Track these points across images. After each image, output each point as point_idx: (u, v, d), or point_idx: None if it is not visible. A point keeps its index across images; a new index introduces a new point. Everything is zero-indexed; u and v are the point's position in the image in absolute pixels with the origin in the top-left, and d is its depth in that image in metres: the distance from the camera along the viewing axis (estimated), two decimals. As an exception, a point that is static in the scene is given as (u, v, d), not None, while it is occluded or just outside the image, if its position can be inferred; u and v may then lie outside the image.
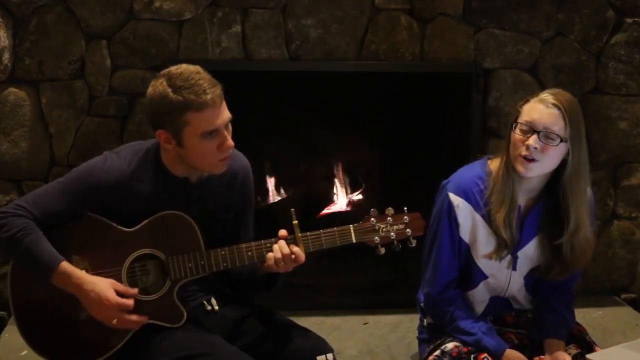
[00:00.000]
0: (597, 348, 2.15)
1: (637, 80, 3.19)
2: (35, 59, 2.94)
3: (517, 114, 2.02)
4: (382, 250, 1.94)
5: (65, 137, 3.00)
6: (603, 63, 3.18)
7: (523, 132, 1.98)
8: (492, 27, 3.09)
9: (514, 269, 2.14)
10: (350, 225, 1.93)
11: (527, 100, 2.02)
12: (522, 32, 3.10)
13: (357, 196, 3.79)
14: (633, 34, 3.16)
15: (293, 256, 1.88)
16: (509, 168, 2.03)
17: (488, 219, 2.08)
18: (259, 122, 3.46)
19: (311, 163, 3.80)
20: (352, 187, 3.81)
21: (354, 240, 1.93)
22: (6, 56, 2.92)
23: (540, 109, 1.97)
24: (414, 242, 1.97)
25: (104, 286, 1.83)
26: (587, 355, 2.07)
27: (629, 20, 3.15)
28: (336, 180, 3.80)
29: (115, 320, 1.83)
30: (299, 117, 3.46)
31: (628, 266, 3.37)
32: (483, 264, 2.13)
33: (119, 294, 1.84)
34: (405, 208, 1.97)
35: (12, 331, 1.97)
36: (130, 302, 1.84)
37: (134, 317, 1.85)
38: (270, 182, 3.73)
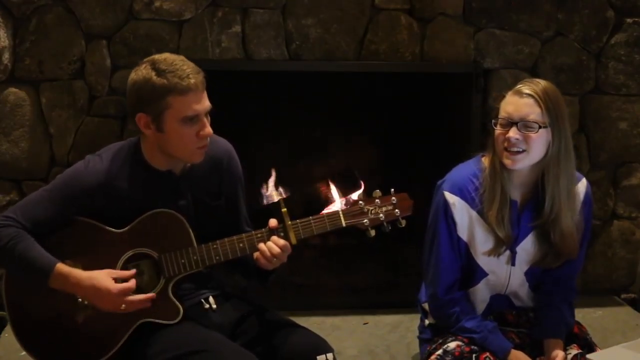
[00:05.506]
0: (597, 348, 2.15)
1: (637, 80, 3.20)
2: (35, 59, 2.94)
3: (496, 111, 2.07)
4: (373, 232, 1.94)
5: (65, 137, 3.00)
6: (603, 63, 3.18)
7: (502, 126, 2.02)
8: (492, 27, 3.09)
9: (513, 264, 2.15)
10: (339, 209, 1.94)
11: (503, 96, 2.07)
12: (522, 32, 3.11)
13: (356, 196, 3.78)
14: (633, 34, 3.16)
15: (281, 251, 1.88)
16: (495, 165, 2.06)
17: (484, 216, 2.10)
18: (259, 122, 3.46)
19: (311, 163, 3.80)
20: (352, 187, 3.80)
21: (343, 224, 1.93)
22: (6, 56, 2.92)
23: (515, 101, 2.01)
24: (403, 223, 1.97)
25: (102, 277, 1.83)
26: (588, 355, 2.07)
27: (629, 20, 3.16)
28: (336, 180, 3.79)
29: (122, 305, 1.83)
30: (299, 117, 3.46)
31: (628, 266, 3.37)
32: (482, 261, 2.14)
33: (118, 280, 1.84)
34: (393, 189, 1.98)
35: (12, 331, 1.96)
36: (131, 284, 1.84)
37: (141, 297, 1.85)
38: (270, 182, 3.72)
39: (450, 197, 2.10)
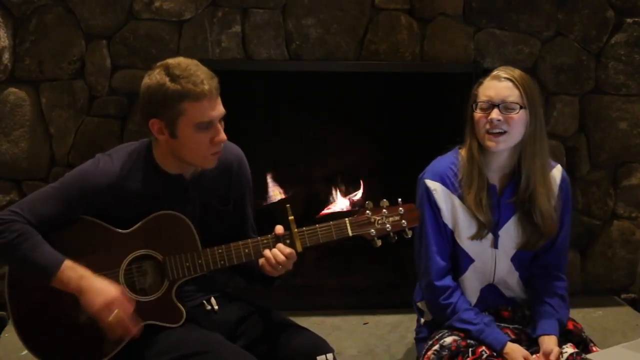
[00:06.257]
0: (594, 347, 2.15)
1: (637, 80, 3.20)
2: (35, 59, 2.94)
3: (474, 97, 2.13)
4: (379, 243, 1.95)
5: (65, 137, 3.01)
6: (603, 63, 3.18)
7: (483, 109, 2.09)
8: (492, 27, 3.10)
9: (496, 247, 2.18)
10: (346, 219, 1.93)
11: (481, 83, 2.14)
12: (522, 32, 3.11)
13: (356, 196, 3.79)
14: (633, 34, 3.16)
15: (286, 259, 1.87)
16: (473, 150, 2.14)
17: (464, 200, 2.15)
18: (259, 122, 3.46)
19: (311, 163, 3.80)
20: (352, 187, 3.81)
21: (350, 234, 1.93)
22: (6, 56, 2.92)
23: (495, 85, 2.10)
24: (409, 233, 1.97)
25: (111, 284, 1.81)
26: (588, 356, 2.07)
27: (629, 20, 3.16)
28: (336, 180, 3.80)
29: (112, 316, 1.78)
30: (299, 117, 3.46)
31: (628, 266, 3.37)
32: (467, 246, 2.18)
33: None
34: (400, 199, 1.99)
35: (12, 331, 1.96)
36: (131, 306, 1.82)
37: (131, 323, 1.80)
38: (270, 182, 3.73)
39: (432, 184, 2.17)
